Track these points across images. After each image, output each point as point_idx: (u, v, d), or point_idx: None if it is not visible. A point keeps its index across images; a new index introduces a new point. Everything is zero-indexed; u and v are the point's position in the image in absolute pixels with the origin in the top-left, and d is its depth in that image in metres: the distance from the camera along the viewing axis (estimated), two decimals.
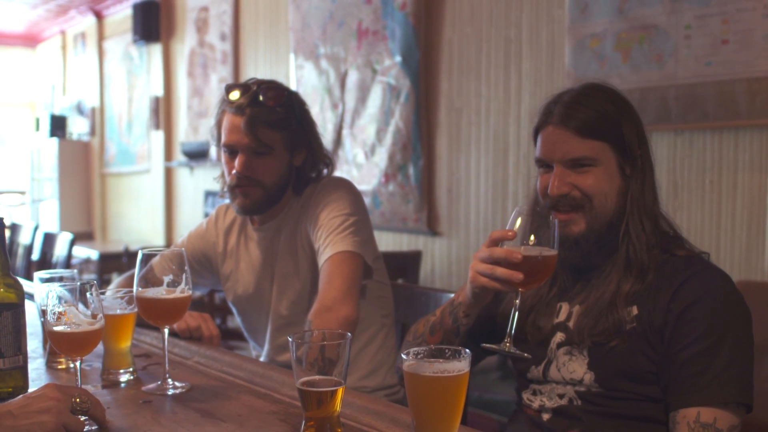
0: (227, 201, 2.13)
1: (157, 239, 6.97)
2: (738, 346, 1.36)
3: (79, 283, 1.35)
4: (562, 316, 1.52)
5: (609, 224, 1.48)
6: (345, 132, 4.63)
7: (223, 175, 2.04)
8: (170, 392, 1.45)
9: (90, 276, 6.15)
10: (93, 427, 1.22)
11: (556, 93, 1.56)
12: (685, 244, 1.51)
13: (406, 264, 3.87)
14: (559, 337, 1.50)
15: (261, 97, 1.92)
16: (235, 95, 1.93)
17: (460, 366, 1.03)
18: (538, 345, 1.52)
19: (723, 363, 1.34)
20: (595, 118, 1.47)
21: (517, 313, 1.40)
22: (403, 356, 1.05)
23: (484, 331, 1.59)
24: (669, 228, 1.52)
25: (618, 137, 1.48)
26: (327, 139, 4.66)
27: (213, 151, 2.11)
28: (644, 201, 1.49)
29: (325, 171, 2.08)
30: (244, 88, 1.95)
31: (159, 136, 6.89)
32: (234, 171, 1.93)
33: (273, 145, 1.93)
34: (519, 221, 1.40)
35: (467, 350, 1.05)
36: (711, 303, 1.38)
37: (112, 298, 1.52)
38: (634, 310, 1.42)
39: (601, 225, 1.47)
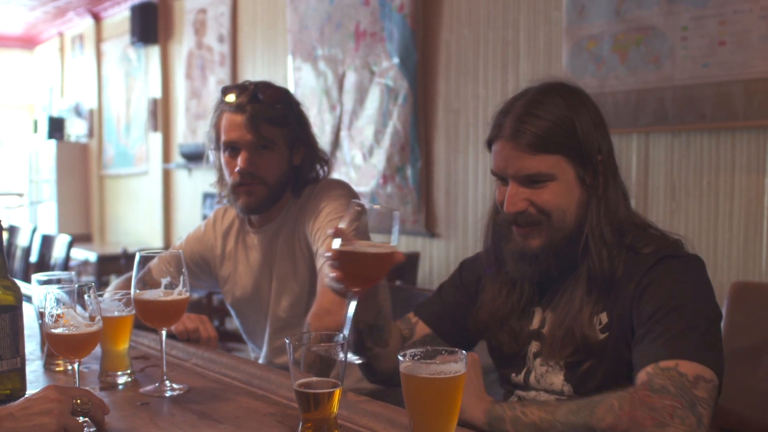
0: (226, 203, 2.13)
1: (156, 241, 6.97)
2: (698, 315, 1.30)
3: (77, 286, 1.35)
4: (536, 323, 1.49)
5: (569, 237, 1.42)
6: (343, 133, 4.63)
7: (220, 180, 2.05)
8: (168, 394, 1.45)
9: (88, 278, 6.15)
10: (92, 429, 1.22)
11: (509, 99, 1.48)
12: (655, 237, 1.44)
13: (403, 265, 3.87)
14: (535, 346, 1.47)
15: (260, 95, 1.94)
16: (234, 95, 1.94)
17: (457, 367, 1.04)
18: (518, 352, 1.49)
19: (681, 327, 1.27)
20: (547, 131, 1.39)
21: (349, 319, 1.32)
22: (400, 357, 1.06)
23: (460, 336, 1.60)
24: (639, 224, 1.46)
25: (574, 146, 1.40)
26: (325, 140, 4.66)
27: (211, 156, 2.10)
28: (607, 208, 1.42)
29: (322, 172, 2.08)
30: (242, 88, 1.97)
31: (157, 137, 6.89)
32: (237, 168, 1.93)
33: (275, 140, 1.94)
34: (351, 216, 1.33)
35: (464, 351, 1.05)
36: (666, 280, 1.33)
37: (110, 300, 1.52)
38: (604, 318, 1.38)
39: (561, 238, 1.41)
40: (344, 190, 2.03)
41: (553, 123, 1.39)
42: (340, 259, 1.30)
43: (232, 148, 1.95)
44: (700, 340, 1.26)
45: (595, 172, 1.42)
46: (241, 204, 1.98)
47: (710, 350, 1.26)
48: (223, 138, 1.96)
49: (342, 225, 1.32)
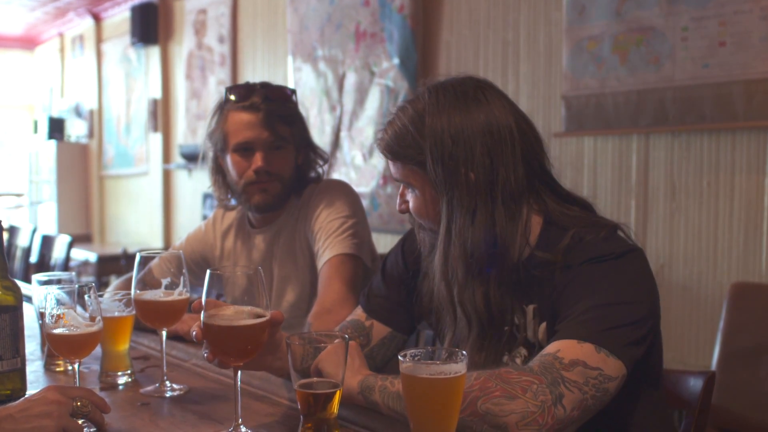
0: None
1: (156, 241, 6.97)
2: (609, 296, 1.23)
3: (77, 286, 1.35)
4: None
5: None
6: (343, 134, 4.64)
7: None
8: (168, 394, 1.45)
9: (88, 278, 6.15)
10: (92, 430, 1.22)
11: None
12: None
13: None
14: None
15: (270, 95, 1.94)
16: (243, 94, 1.94)
17: (457, 368, 1.04)
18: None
19: (582, 309, 1.22)
20: (392, 138, 1.36)
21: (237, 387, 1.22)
22: (400, 358, 1.06)
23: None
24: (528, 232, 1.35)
25: (416, 156, 1.34)
26: (325, 141, 4.66)
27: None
28: (462, 248, 1.31)
29: (322, 170, 2.09)
30: (249, 87, 1.96)
31: (157, 138, 6.89)
32: (254, 167, 1.92)
33: (287, 138, 1.95)
34: (208, 278, 1.19)
35: (464, 352, 1.05)
36: (580, 276, 1.27)
37: (110, 300, 1.52)
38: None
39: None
40: (344, 190, 2.03)
41: (399, 130, 1.36)
42: (207, 335, 1.18)
43: (245, 149, 1.94)
44: (599, 320, 1.20)
45: (459, 193, 1.32)
46: (256, 202, 1.97)
47: (608, 330, 1.20)
48: (234, 139, 1.94)
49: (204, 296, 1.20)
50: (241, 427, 1.21)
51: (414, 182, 1.37)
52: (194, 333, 1.20)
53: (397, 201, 1.45)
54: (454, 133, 1.31)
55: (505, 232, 1.31)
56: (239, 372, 1.21)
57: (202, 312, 1.18)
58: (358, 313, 1.62)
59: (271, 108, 1.92)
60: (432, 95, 1.35)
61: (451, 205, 1.33)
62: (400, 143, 1.35)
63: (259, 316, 1.19)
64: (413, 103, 1.37)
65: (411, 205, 1.41)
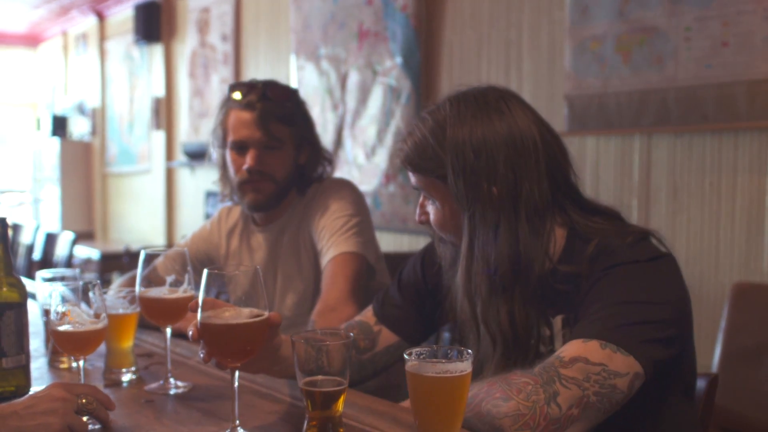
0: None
1: (158, 239, 6.97)
2: (625, 296, 1.20)
3: (82, 283, 1.35)
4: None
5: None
6: (345, 133, 4.64)
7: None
8: (172, 392, 1.45)
9: (91, 275, 6.15)
10: (96, 426, 1.23)
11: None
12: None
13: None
14: None
15: (269, 93, 1.94)
16: (243, 93, 1.95)
17: (463, 366, 1.04)
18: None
19: (594, 309, 1.20)
20: (411, 150, 1.33)
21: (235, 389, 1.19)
22: (406, 356, 1.06)
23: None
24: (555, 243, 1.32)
25: (436, 169, 1.30)
26: (327, 139, 4.66)
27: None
28: (483, 261, 1.28)
29: (327, 170, 2.09)
30: (251, 85, 1.97)
31: (160, 136, 6.89)
32: (245, 166, 1.93)
33: (283, 139, 1.95)
34: (205, 278, 1.17)
35: (469, 351, 1.05)
36: (601, 281, 1.24)
37: (115, 297, 1.52)
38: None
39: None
40: (349, 189, 2.04)
41: (419, 141, 1.33)
42: (203, 335, 1.15)
43: (240, 147, 1.95)
44: (611, 318, 1.17)
45: (481, 208, 1.28)
46: (248, 201, 1.98)
47: (620, 328, 1.16)
48: (231, 136, 1.96)
49: (201, 295, 1.17)
50: (239, 429, 1.20)
51: (435, 194, 1.34)
52: (190, 332, 1.18)
53: (417, 212, 1.41)
54: (476, 146, 1.27)
55: (528, 248, 1.28)
56: (236, 372, 1.20)
57: (199, 311, 1.17)
58: (368, 315, 1.59)
59: (268, 107, 1.92)
60: (453, 106, 1.31)
61: (473, 221, 1.29)
62: (421, 155, 1.32)
63: (257, 316, 1.18)
64: (434, 113, 1.33)
65: (431, 217, 1.38)
